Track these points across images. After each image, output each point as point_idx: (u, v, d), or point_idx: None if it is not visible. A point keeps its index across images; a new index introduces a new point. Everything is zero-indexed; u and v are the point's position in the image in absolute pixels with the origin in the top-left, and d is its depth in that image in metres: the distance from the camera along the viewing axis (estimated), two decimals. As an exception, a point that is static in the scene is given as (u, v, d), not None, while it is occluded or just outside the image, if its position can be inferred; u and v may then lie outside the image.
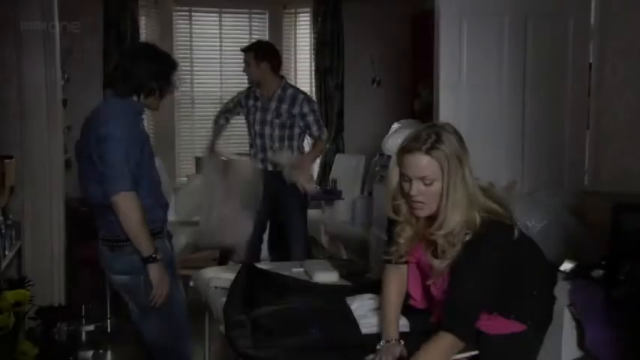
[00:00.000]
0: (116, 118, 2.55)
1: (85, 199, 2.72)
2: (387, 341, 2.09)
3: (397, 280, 2.22)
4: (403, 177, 1.95)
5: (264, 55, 4.21)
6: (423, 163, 1.89)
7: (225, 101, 6.90)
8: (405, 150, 1.93)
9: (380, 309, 2.23)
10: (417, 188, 1.91)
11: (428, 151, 1.88)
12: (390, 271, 2.24)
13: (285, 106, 4.18)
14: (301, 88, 7.37)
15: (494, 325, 2.12)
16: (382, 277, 2.26)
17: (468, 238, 1.92)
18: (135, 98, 2.65)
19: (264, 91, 4.24)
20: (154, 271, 2.52)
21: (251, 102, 4.27)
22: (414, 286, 2.20)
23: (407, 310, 2.39)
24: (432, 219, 1.98)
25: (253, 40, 4.63)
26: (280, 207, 4.22)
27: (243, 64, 4.27)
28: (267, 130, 4.20)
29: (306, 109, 4.21)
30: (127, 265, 2.57)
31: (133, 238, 2.48)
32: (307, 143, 4.44)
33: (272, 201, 4.20)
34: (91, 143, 2.57)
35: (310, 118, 4.22)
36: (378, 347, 2.10)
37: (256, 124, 4.22)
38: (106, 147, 2.49)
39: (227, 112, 4.47)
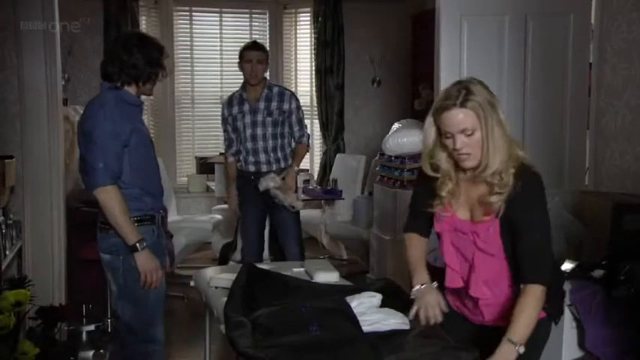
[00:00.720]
0: (97, 113, 2.63)
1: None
2: (422, 284, 2.23)
3: (420, 244, 2.35)
4: (445, 134, 2.05)
5: (268, 56, 4.25)
6: (460, 116, 1.99)
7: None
8: (440, 109, 2.03)
9: (408, 264, 2.33)
10: (461, 141, 2.01)
11: (462, 105, 1.99)
12: (412, 237, 2.36)
13: (274, 104, 4.18)
14: (301, 88, 7.40)
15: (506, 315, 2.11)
16: (405, 244, 2.38)
17: (512, 171, 2.01)
18: (131, 88, 2.71)
19: (252, 93, 4.20)
20: (139, 259, 2.66)
21: (235, 109, 4.22)
22: (451, 258, 2.21)
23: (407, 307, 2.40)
24: (473, 169, 2.08)
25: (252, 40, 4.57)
26: (272, 207, 4.22)
27: (249, 63, 4.14)
28: (260, 131, 4.18)
29: (292, 105, 4.21)
30: (109, 245, 2.72)
31: (116, 228, 2.63)
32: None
33: (265, 202, 4.20)
34: (79, 136, 2.72)
35: (294, 118, 4.21)
36: (412, 295, 2.23)
37: (247, 128, 4.18)
38: (87, 143, 2.62)
39: (230, 146, 4.35)
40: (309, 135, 4.38)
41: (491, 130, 2.01)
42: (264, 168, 4.21)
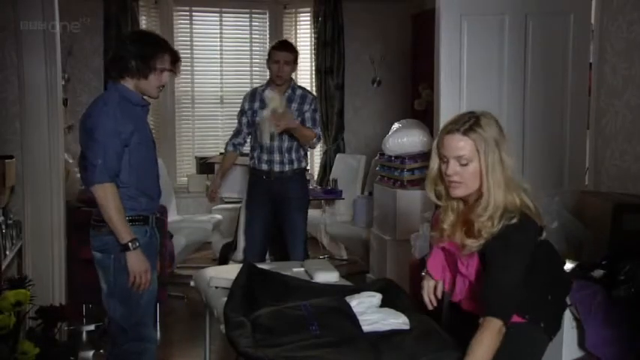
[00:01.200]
0: (100, 111, 2.65)
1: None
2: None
3: None
4: (442, 158, 2.04)
5: (297, 56, 4.21)
6: (459, 144, 1.97)
7: (225, 102, 6.99)
8: (444, 131, 2.03)
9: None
10: (453, 168, 1.99)
11: (465, 132, 1.97)
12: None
13: (295, 105, 4.16)
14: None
15: None
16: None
17: (512, 221, 1.96)
18: (128, 83, 2.70)
19: (276, 92, 4.20)
20: (130, 259, 2.65)
21: (257, 104, 4.18)
22: (435, 269, 2.24)
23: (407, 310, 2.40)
24: (474, 202, 2.05)
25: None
26: (282, 207, 4.21)
27: (276, 63, 4.08)
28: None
29: (311, 107, 4.21)
30: (101, 243, 2.72)
31: (110, 226, 2.63)
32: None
33: (274, 201, 4.19)
34: (81, 133, 2.73)
35: (307, 115, 4.18)
36: (423, 273, 2.27)
37: None
38: (87, 140, 2.64)
39: (236, 136, 4.32)
40: (320, 136, 4.33)
41: (491, 166, 1.97)
42: (277, 167, 4.17)
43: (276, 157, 4.16)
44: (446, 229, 2.11)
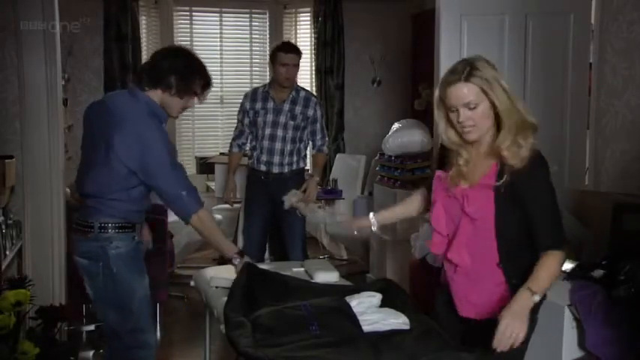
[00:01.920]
0: (150, 128, 2.57)
1: (77, 184, 2.80)
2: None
3: (410, 201, 2.60)
4: (450, 109, 2.13)
5: (301, 56, 4.20)
6: (464, 91, 2.07)
7: (225, 102, 6.99)
8: (445, 84, 2.12)
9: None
10: (464, 115, 2.09)
11: (466, 79, 2.07)
12: (418, 192, 2.57)
13: (299, 108, 4.15)
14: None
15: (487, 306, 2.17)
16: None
17: (530, 140, 2.07)
18: (153, 93, 2.64)
19: (279, 94, 4.16)
20: (237, 269, 2.70)
21: (259, 105, 4.17)
22: (438, 222, 2.27)
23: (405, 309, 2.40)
24: (494, 136, 2.14)
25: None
26: (280, 208, 4.21)
27: (284, 66, 4.06)
28: (280, 132, 4.14)
29: (318, 113, 4.20)
30: (87, 249, 2.66)
31: (215, 246, 2.82)
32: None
33: (273, 201, 4.19)
34: (115, 139, 2.56)
35: (318, 126, 4.21)
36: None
37: (267, 127, 4.13)
38: (154, 168, 2.57)
39: (239, 136, 4.33)
40: (328, 145, 4.36)
41: (497, 99, 2.06)
42: (275, 169, 4.17)
43: (276, 158, 4.15)
44: (462, 165, 2.17)
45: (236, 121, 4.36)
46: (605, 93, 3.67)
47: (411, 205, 2.60)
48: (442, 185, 2.24)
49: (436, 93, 2.20)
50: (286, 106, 4.13)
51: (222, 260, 5.08)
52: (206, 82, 2.75)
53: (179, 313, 4.84)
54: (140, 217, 2.74)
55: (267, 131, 4.14)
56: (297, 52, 4.13)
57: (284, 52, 4.07)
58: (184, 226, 5.39)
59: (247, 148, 4.38)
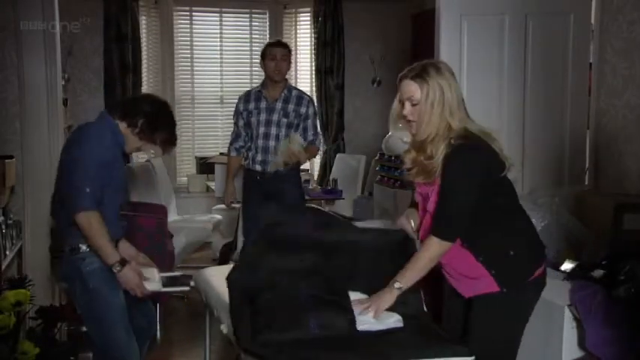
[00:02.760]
0: (90, 142, 2.66)
1: (51, 211, 2.90)
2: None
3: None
4: (400, 101, 2.31)
5: (291, 54, 4.27)
6: (410, 87, 2.25)
7: (225, 102, 6.99)
8: (401, 77, 2.30)
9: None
10: (407, 108, 2.27)
11: (413, 78, 2.25)
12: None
13: (292, 106, 4.17)
14: (301, 88, 7.40)
15: (472, 287, 2.25)
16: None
17: (444, 146, 2.22)
18: (121, 125, 2.73)
19: (272, 92, 4.19)
20: (123, 276, 2.68)
21: (252, 105, 4.20)
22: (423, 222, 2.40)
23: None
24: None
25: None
26: (277, 207, 4.20)
27: (273, 60, 4.13)
28: (273, 131, 4.16)
29: (310, 111, 4.23)
30: (63, 273, 2.82)
31: (97, 250, 2.66)
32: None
33: (269, 201, 4.19)
34: (63, 162, 2.73)
35: (309, 122, 4.24)
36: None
37: (261, 126, 4.16)
38: (74, 168, 2.63)
39: (236, 140, 4.32)
40: (321, 142, 4.39)
41: (429, 105, 2.21)
42: (270, 169, 4.18)
43: (271, 157, 4.15)
44: (407, 163, 2.36)
45: (233, 125, 4.37)
46: (605, 93, 3.67)
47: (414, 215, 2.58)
48: (417, 189, 2.41)
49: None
50: (279, 105, 4.16)
51: (222, 260, 5.09)
52: (168, 139, 2.85)
53: (179, 313, 4.84)
54: (112, 233, 2.73)
55: (261, 130, 4.16)
56: (285, 46, 4.23)
57: (272, 46, 4.21)
58: (184, 227, 5.42)
59: (244, 151, 4.38)
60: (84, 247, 2.68)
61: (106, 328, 2.73)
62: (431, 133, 2.23)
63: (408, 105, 2.26)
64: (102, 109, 2.92)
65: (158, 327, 4.15)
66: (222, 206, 5.98)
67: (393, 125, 2.40)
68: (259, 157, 4.18)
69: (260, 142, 4.17)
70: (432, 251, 2.24)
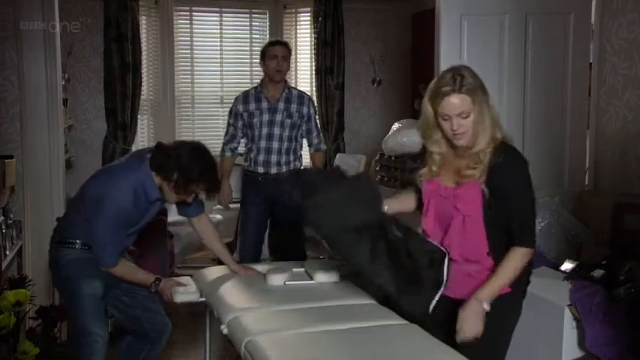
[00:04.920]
0: (116, 188, 2.70)
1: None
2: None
3: (415, 197, 2.57)
4: (443, 117, 2.23)
5: (291, 54, 4.23)
6: (457, 102, 2.19)
7: (225, 102, 6.98)
8: (440, 95, 2.21)
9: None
10: (457, 123, 2.21)
11: (459, 91, 2.19)
12: (411, 190, 2.59)
13: (294, 106, 4.14)
14: (301, 88, 7.38)
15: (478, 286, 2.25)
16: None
17: (489, 151, 2.23)
18: (157, 178, 2.74)
19: (272, 92, 4.15)
20: (160, 291, 2.93)
21: (252, 105, 4.15)
22: (429, 223, 2.43)
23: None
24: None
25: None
26: (278, 209, 4.20)
27: (274, 59, 4.10)
28: (277, 131, 4.12)
29: (312, 110, 4.21)
30: (49, 261, 3.02)
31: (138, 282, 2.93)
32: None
33: (270, 202, 4.18)
34: (87, 192, 2.79)
35: (313, 123, 4.22)
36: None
37: (264, 127, 4.11)
38: (96, 213, 2.71)
39: (231, 140, 4.29)
40: (323, 143, 4.40)
41: (480, 113, 2.21)
42: (273, 169, 4.13)
43: (274, 158, 4.13)
44: (435, 170, 2.35)
45: (226, 125, 4.31)
46: (605, 93, 3.67)
47: (409, 202, 2.63)
48: (433, 188, 2.37)
49: (425, 100, 2.29)
50: (281, 105, 4.12)
51: (222, 261, 5.08)
52: (208, 189, 2.81)
53: (179, 313, 4.83)
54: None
55: (264, 131, 4.12)
56: (285, 45, 4.19)
57: (273, 45, 4.16)
58: (184, 227, 5.42)
59: (239, 152, 4.36)
60: (78, 244, 2.82)
61: (74, 313, 2.91)
62: (487, 140, 2.22)
63: (457, 120, 2.20)
64: (141, 151, 2.91)
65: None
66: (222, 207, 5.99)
67: (431, 142, 2.33)
68: (262, 158, 4.14)
69: (262, 143, 4.13)
70: (519, 261, 2.22)
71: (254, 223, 4.23)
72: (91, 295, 2.84)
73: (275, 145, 4.12)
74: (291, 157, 4.18)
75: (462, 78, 2.19)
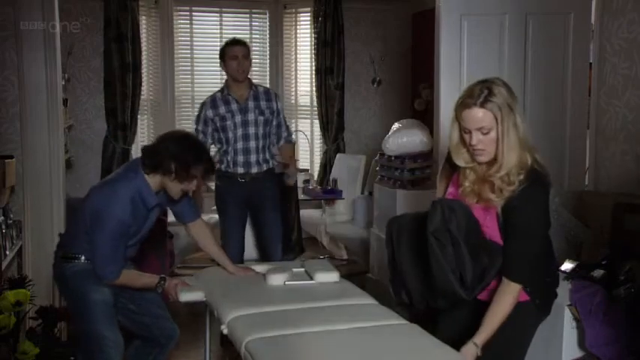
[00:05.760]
0: (112, 203, 2.70)
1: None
2: None
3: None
4: (464, 129, 2.17)
5: (250, 51, 4.17)
6: (479, 115, 2.11)
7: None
8: (462, 106, 2.16)
9: None
10: (476, 138, 2.14)
11: (482, 105, 2.11)
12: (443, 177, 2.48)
13: (264, 103, 4.12)
14: (301, 88, 7.35)
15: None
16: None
17: (521, 177, 2.13)
18: (153, 178, 2.75)
19: (239, 92, 4.11)
20: (166, 290, 2.90)
21: (222, 109, 4.09)
22: None
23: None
24: (490, 163, 2.20)
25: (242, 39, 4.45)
26: (258, 208, 4.17)
27: (234, 60, 4.05)
28: (252, 130, 4.10)
29: (279, 105, 4.21)
30: (54, 274, 2.98)
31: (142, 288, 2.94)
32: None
33: (249, 203, 4.15)
34: (86, 209, 2.77)
35: (281, 117, 4.21)
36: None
37: (238, 128, 4.07)
38: (95, 227, 2.72)
39: None
40: (292, 135, 4.42)
41: (507, 131, 2.12)
42: (254, 169, 4.11)
43: (253, 157, 4.09)
44: (467, 186, 2.24)
45: (194, 132, 4.20)
46: (605, 93, 3.67)
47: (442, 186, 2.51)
48: (454, 193, 2.31)
49: (452, 114, 2.24)
50: (251, 104, 4.09)
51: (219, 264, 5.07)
52: (206, 169, 2.81)
53: (179, 313, 4.83)
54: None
55: (239, 132, 4.07)
56: (244, 44, 4.14)
57: (230, 45, 4.11)
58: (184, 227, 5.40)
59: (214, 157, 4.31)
60: (82, 258, 2.80)
61: (86, 322, 2.85)
62: (515, 161, 2.12)
63: (477, 134, 2.13)
64: (135, 160, 2.89)
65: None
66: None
67: (455, 155, 2.24)
68: (241, 159, 4.10)
69: (240, 144, 4.08)
70: (512, 298, 2.15)
71: (237, 224, 4.18)
72: (102, 302, 2.83)
73: (252, 144, 4.09)
74: (267, 155, 4.17)
75: (488, 92, 2.11)
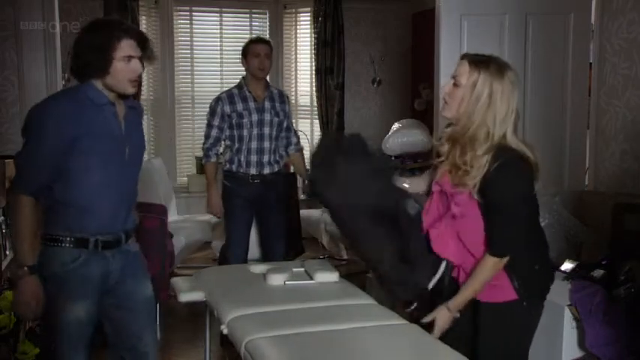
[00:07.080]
0: (44, 105, 2.24)
1: None
2: None
3: (427, 179, 2.45)
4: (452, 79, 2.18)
5: (272, 52, 4.15)
6: (462, 67, 2.14)
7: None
8: (461, 56, 2.19)
9: None
10: (448, 85, 2.17)
11: (471, 60, 2.13)
12: (426, 174, 2.49)
13: (278, 104, 4.11)
14: (301, 88, 7.36)
15: (490, 292, 2.20)
16: None
17: (489, 154, 2.09)
18: (96, 82, 2.25)
19: (257, 91, 4.08)
20: (22, 285, 2.31)
21: (240, 105, 4.03)
22: (429, 216, 2.32)
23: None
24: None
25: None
26: (266, 209, 4.17)
27: (257, 57, 3.99)
28: (267, 130, 4.09)
29: (289, 107, 4.21)
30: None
31: (14, 244, 2.31)
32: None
33: (259, 203, 4.14)
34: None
35: (290, 121, 4.21)
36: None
37: (254, 127, 4.02)
38: (22, 134, 2.26)
39: (215, 144, 4.11)
40: (299, 140, 4.42)
41: (477, 91, 2.09)
42: (266, 170, 4.09)
43: (266, 157, 4.08)
44: (442, 151, 2.22)
45: (208, 128, 4.11)
46: (605, 93, 3.67)
47: (421, 182, 2.51)
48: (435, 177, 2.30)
49: None
50: (267, 104, 4.06)
51: (222, 260, 5.08)
52: (139, 40, 2.25)
53: (179, 313, 4.83)
54: (96, 225, 2.33)
55: (255, 131, 4.04)
56: (268, 43, 4.13)
57: (254, 42, 4.10)
58: (184, 227, 5.41)
59: (223, 155, 4.27)
60: (67, 238, 2.29)
61: (50, 338, 2.39)
62: (468, 127, 2.11)
63: (449, 82, 2.16)
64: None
65: (158, 327, 4.15)
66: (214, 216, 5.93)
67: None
68: (254, 159, 4.06)
69: (254, 143, 4.05)
70: (488, 272, 2.15)
71: (243, 225, 4.15)
72: (75, 322, 2.34)
73: (267, 145, 4.08)
74: (278, 157, 4.16)
75: (487, 59, 2.12)
